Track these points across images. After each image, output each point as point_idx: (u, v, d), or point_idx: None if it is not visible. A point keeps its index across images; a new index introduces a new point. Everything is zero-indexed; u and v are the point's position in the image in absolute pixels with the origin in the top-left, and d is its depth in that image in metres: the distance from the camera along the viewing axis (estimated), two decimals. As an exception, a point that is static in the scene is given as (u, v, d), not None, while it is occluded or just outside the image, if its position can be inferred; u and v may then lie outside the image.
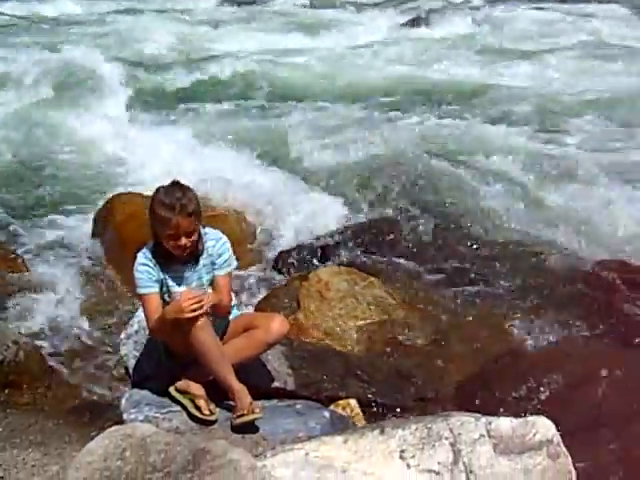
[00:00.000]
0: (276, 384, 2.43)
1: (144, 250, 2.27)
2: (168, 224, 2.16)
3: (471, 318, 3.08)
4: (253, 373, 2.33)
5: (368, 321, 2.94)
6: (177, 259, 2.25)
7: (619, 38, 8.08)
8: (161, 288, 2.26)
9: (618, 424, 2.37)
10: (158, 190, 2.23)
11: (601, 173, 4.32)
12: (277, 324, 2.26)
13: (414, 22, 9.30)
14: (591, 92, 6.06)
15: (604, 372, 2.70)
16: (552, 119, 5.52)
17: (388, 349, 2.84)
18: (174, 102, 6.22)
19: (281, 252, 3.55)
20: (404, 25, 9.34)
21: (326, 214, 3.84)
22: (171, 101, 6.27)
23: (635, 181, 4.24)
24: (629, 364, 2.73)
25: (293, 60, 7.38)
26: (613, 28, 8.62)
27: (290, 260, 3.48)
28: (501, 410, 2.48)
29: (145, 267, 2.24)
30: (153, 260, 2.25)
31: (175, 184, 2.23)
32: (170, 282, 2.27)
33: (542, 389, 2.61)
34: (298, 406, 2.30)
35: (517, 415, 2.22)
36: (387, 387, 2.55)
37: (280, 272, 3.44)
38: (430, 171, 4.33)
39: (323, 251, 3.53)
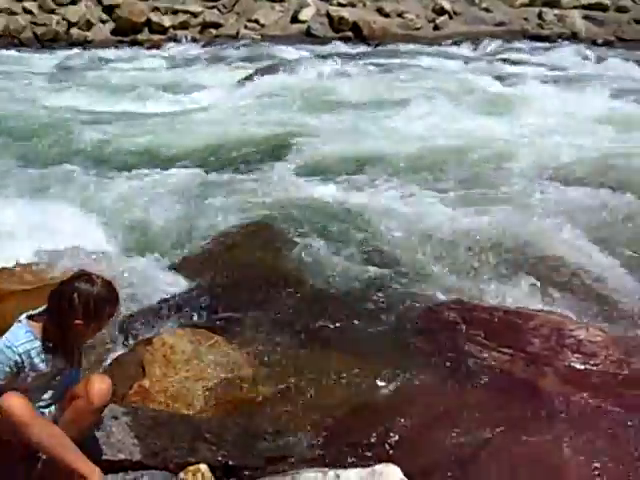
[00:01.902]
0: (121, 456, 2.33)
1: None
2: (107, 309, 2.15)
3: (318, 370, 3.09)
4: (94, 448, 2.23)
5: (215, 381, 2.89)
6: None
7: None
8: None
9: (462, 464, 2.45)
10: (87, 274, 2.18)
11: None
12: (95, 387, 2.15)
13: (254, 75, 9.40)
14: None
15: (447, 413, 2.79)
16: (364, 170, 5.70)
17: (237, 408, 2.79)
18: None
19: (124, 318, 3.45)
20: (245, 79, 9.41)
21: (166, 276, 3.77)
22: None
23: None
24: (471, 403, 2.84)
25: (126, 124, 7.23)
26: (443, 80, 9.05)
27: (133, 326, 3.38)
28: (352, 460, 2.50)
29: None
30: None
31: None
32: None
33: (391, 435, 2.65)
34: (145, 477, 2.22)
35: (367, 464, 2.25)
36: (237, 448, 2.50)
37: (124, 339, 3.33)
38: (265, 228, 4.39)
39: (167, 314, 3.45)
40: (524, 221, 4.39)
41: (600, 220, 4.51)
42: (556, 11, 14.74)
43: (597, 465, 2.56)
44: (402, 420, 2.74)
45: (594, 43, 13.45)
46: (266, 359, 3.13)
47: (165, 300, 3.57)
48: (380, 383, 3.01)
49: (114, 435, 2.35)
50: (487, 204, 4.74)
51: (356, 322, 3.42)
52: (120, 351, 3.21)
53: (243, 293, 3.68)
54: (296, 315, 3.51)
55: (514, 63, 10.76)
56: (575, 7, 14.90)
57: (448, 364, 3.10)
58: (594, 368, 2.93)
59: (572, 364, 2.93)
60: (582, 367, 2.93)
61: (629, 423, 2.69)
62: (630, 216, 4.59)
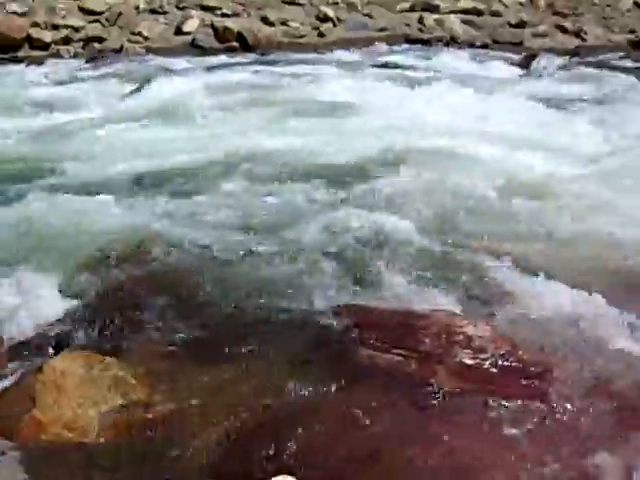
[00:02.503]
0: (11, 494, 2.26)
1: None
2: None
3: (215, 387, 3.07)
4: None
5: (110, 405, 2.81)
6: None
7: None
8: None
9: (362, 468, 2.49)
10: None
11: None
12: None
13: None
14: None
15: (346, 419, 2.83)
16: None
17: (133, 432, 2.74)
18: None
19: (10, 347, 3.32)
20: (130, 93, 9.21)
21: (51, 296, 3.66)
22: None
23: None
24: (369, 407, 2.88)
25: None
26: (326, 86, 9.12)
27: (18, 353, 3.26)
28: (252, 475, 2.51)
29: None
30: None
31: None
32: None
33: (291, 446, 2.65)
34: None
35: (268, 476, 2.26)
36: (133, 473, 2.47)
37: (9, 369, 3.20)
38: (156, 242, 4.32)
39: (55, 337, 3.35)
40: (404, 221, 4.52)
41: (482, 218, 4.70)
42: (435, 16, 15.13)
43: (489, 454, 2.67)
44: (302, 430, 2.76)
45: (472, 46, 13.92)
46: (161, 378, 3.08)
47: (51, 323, 3.46)
48: (278, 395, 3.01)
49: (1, 474, 2.26)
50: (361, 207, 4.81)
51: (252, 335, 3.41)
52: (6, 382, 3.09)
53: (134, 310, 3.61)
54: (191, 330, 3.47)
55: (396, 66, 11.04)
56: (453, 12, 15.34)
57: (344, 370, 3.14)
58: (483, 362, 3.04)
59: (462, 359, 3.03)
60: (472, 362, 3.04)
61: (515, 411, 2.84)
62: (514, 214, 4.81)
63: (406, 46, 13.68)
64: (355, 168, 5.81)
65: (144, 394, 2.93)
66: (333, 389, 3.03)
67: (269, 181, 5.52)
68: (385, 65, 11.21)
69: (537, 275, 3.89)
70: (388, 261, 4.04)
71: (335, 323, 3.39)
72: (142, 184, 5.62)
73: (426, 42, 14.10)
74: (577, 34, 14.86)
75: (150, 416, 2.84)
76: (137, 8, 14.96)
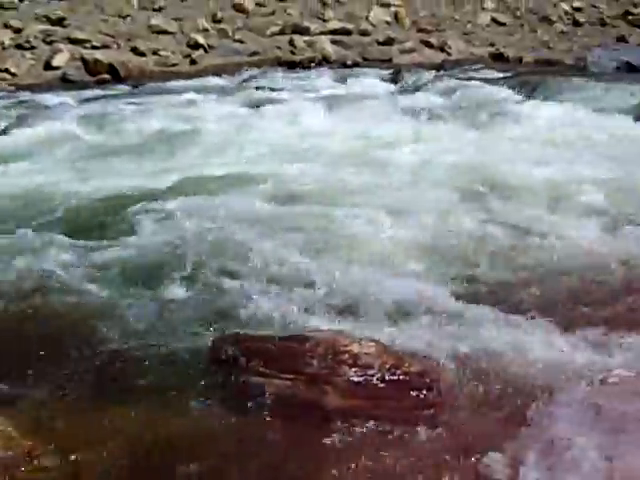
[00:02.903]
0: None
1: None
2: None
3: (103, 429, 2.97)
4: None
5: (-12, 462, 2.69)
6: None
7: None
8: None
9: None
10: None
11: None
12: None
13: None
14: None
15: (241, 450, 2.82)
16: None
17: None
18: None
19: None
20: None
21: None
22: None
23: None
24: (259, 436, 2.90)
25: None
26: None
27: None
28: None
29: None
30: None
31: None
32: None
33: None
34: None
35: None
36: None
37: None
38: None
39: None
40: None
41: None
42: (306, 38, 15.38)
43: (384, 467, 2.72)
44: (196, 463, 2.73)
45: (344, 65, 14.22)
46: (44, 428, 2.96)
47: None
48: (170, 431, 2.96)
49: None
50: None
51: (137, 374, 3.34)
52: None
53: (10, 356, 3.48)
54: (74, 374, 3.36)
55: (267, 89, 11.15)
56: (323, 33, 15.64)
57: (234, 399, 3.12)
58: (371, 378, 3.07)
59: (350, 378, 3.05)
60: (360, 379, 3.06)
61: (406, 422, 2.93)
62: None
63: (278, 69, 13.85)
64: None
65: (27, 447, 2.79)
66: (224, 420, 3.01)
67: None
68: (256, 89, 11.30)
69: (414, 286, 4.00)
70: (262, 286, 4.07)
71: (221, 353, 3.35)
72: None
73: (298, 64, 14.30)
74: (442, 49, 15.44)
75: (33, 470, 2.72)
76: (2, 44, 14.46)
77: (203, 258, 4.45)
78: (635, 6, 17.74)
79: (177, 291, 4.13)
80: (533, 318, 3.71)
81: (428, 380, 3.13)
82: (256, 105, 9.52)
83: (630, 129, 8.03)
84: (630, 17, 17.30)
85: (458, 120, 8.50)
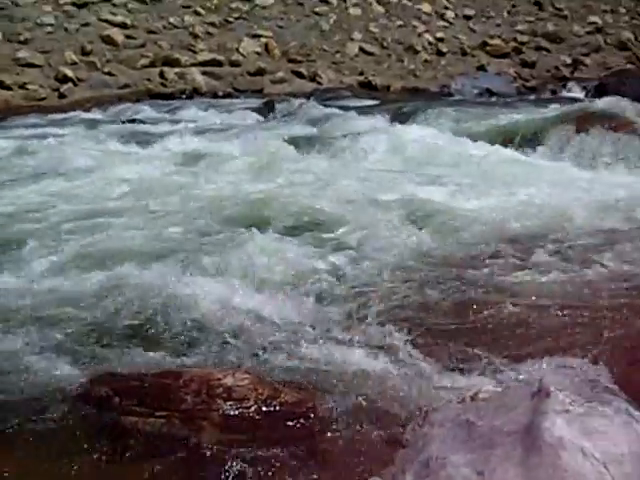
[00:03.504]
0: None
1: None
2: None
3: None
4: None
5: None
6: None
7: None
8: None
9: None
10: None
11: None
12: None
13: None
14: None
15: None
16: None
17: None
18: None
19: None
20: None
21: None
22: None
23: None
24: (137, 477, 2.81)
25: None
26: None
27: None
28: None
29: None
30: None
31: None
32: None
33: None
34: None
35: None
36: None
37: None
38: None
39: None
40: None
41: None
42: (176, 69, 15.30)
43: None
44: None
45: (215, 96, 14.24)
46: None
47: None
48: (37, 477, 2.84)
49: None
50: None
51: (3, 416, 3.17)
52: None
53: None
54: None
55: (137, 122, 11.04)
56: (193, 64, 15.61)
57: (109, 442, 3.02)
58: (246, 410, 3.05)
59: (226, 412, 3.02)
60: (236, 412, 3.03)
61: (283, 451, 2.92)
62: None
63: (149, 101, 13.70)
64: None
65: None
66: (96, 464, 2.91)
67: None
68: (125, 122, 11.17)
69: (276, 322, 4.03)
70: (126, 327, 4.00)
71: (93, 393, 3.24)
72: None
73: (169, 96, 14.20)
74: (312, 78, 15.74)
75: None
76: None
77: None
78: (492, 37, 18.67)
79: (45, 332, 3.97)
80: (405, 341, 3.81)
81: (304, 409, 3.14)
82: (124, 138, 9.38)
83: (492, 153, 8.44)
84: (488, 47, 18.20)
85: (318, 148, 8.67)
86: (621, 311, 4.17)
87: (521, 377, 3.20)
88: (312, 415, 3.13)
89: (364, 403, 3.29)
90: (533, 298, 4.42)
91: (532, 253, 5.21)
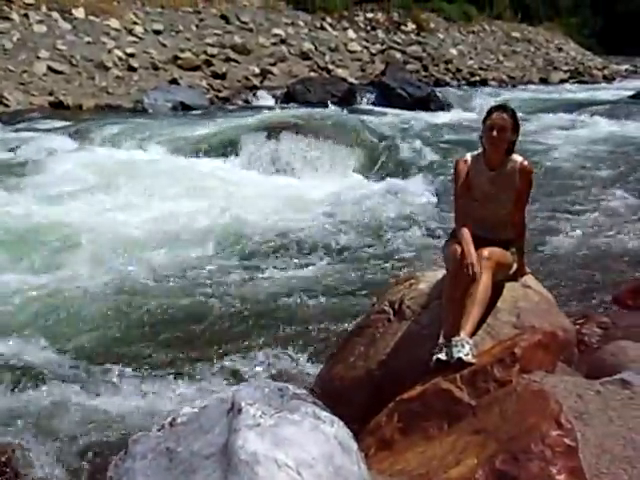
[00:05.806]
0: None
1: None
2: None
3: None
4: None
5: None
6: None
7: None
8: None
9: None
10: None
11: None
12: None
13: None
14: None
15: None
16: None
17: None
18: None
19: None
20: None
21: None
22: None
23: None
24: None
25: None
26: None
27: None
28: None
29: None
30: None
31: None
32: None
33: None
34: None
35: None
36: None
37: None
38: None
39: None
40: None
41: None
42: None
43: None
44: None
45: None
46: None
47: None
48: None
49: None
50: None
51: None
52: None
53: None
54: None
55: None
56: None
57: None
58: None
59: None
60: None
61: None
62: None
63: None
64: None
65: None
66: None
67: None
68: None
69: None
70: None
71: None
72: None
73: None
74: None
75: None
76: None
77: None
78: (182, 51, 18.81)
79: None
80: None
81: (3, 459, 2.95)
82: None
83: (183, 164, 8.51)
84: (179, 61, 18.29)
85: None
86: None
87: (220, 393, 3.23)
88: (10, 465, 2.95)
89: (65, 440, 3.14)
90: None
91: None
